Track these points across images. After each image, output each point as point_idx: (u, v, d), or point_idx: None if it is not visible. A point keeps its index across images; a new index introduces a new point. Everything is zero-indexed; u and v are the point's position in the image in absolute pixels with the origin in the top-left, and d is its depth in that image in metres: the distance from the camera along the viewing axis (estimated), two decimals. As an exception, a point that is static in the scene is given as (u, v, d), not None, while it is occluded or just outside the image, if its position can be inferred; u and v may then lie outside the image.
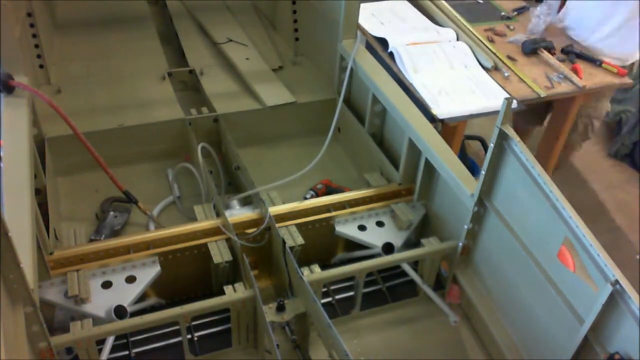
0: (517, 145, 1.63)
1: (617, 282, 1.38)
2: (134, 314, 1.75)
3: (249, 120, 2.57)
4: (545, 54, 2.93)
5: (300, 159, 2.33)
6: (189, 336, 1.81)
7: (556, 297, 1.62)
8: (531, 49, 2.94)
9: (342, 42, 2.50)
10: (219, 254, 1.90)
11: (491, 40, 3.05)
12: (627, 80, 2.83)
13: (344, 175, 2.53)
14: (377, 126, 2.45)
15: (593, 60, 2.92)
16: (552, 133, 3.15)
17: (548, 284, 1.64)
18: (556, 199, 1.54)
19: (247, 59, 2.86)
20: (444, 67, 2.77)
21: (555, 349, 1.66)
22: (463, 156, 3.16)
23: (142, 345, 1.82)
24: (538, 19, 3.11)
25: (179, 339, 1.79)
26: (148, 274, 1.85)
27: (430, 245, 2.00)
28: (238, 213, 2.06)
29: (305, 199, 2.26)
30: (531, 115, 3.35)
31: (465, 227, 1.91)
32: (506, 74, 2.77)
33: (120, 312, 1.73)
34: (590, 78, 2.81)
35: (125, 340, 1.80)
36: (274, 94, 2.62)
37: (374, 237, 2.07)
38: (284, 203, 2.12)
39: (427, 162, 2.08)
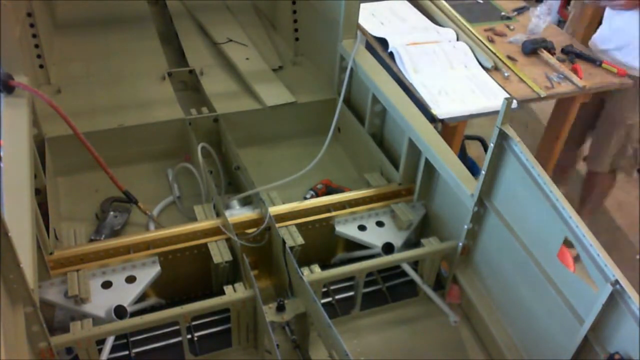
0: (517, 145, 1.63)
1: (617, 282, 1.38)
2: (134, 314, 1.75)
3: (249, 120, 2.57)
4: (545, 54, 2.92)
5: (300, 159, 2.33)
6: (189, 336, 1.81)
7: (556, 297, 1.62)
8: (531, 49, 2.94)
9: (342, 42, 2.50)
10: (219, 254, 1.90)
11: (491, 40, 3.04)
12: (627, 80, 2.83)
13: (344, 175, 2.52)
14: (377, 126, 2.45)
15: (593, 60, 2.91)
16: (552, 133, 3.14)
17: (548, 284, 1.64)
18: (556, 199, 1.54)
19: (247, 59, 2.86)
20: (444, 67, 2.77)
21: (555, 349, 1.66)
22: (463, 156, 3.16)
23: (142, 345, 1.82)
24: (538, 19, 3.10)
25: (179, 339, 1.79)
26: (148, 274, 1.85)
27: (430, 245, 2.00)
28: (238, 213, 2.06)
29: (305, 199, 2.26)
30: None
31: (465, 227, 1.91)
32: (506, 74, 2.77)
33: (120, 312, 1.73)
34: (590, 78, 2.81)
35: (125, 340, 1.80)
36: (274, 94, 2.62)
37: (374, 237, 2.07)
38: (284, 203, 2.12)
39: (427, 162, 2.08)
